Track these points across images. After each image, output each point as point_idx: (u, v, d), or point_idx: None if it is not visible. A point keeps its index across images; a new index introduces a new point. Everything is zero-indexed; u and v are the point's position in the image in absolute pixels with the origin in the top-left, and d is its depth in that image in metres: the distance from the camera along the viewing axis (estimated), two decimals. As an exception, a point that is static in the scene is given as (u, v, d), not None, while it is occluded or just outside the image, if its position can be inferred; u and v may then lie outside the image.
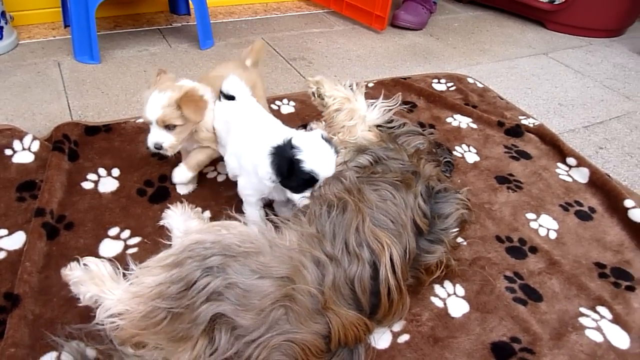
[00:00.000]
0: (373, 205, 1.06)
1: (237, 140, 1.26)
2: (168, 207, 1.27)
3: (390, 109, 1.49)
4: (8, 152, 1.43)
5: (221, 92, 1.34)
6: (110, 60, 2.05)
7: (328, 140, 1.16)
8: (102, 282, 0.97)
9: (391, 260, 1.00)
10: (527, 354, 1.07)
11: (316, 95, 1.47)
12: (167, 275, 0.91)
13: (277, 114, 1.76)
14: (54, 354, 0.97)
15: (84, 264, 1.02)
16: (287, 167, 1.10)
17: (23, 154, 1.43)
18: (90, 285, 0.98)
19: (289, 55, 2.25)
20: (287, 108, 1.80)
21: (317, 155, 1.11)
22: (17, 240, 1.20)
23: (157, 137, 1.23)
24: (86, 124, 1.57)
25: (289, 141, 1.12)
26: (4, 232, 1.22)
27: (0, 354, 0.94)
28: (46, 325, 1.01)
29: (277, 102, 1.82)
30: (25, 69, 1.93)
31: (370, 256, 0.99)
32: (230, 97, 1.33)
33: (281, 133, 1.19)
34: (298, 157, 1.10)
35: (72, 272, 1.02)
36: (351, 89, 1.50)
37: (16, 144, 1.45)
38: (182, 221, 1.21)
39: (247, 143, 1.23)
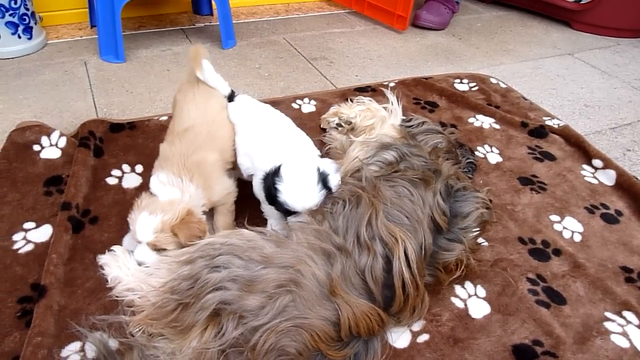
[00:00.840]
0: (388, 201, 1.06)
1: (247, 141, 1.27)
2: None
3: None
4: (36, 147, 1.47)
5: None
6: (135, 60, 2.09)
7: (321, 171, 1.13)
8: (126, 267, 1.08)
9: (405, 254, 0.99)
10: (550, 358, 1.05)
11: (343, 124, 1.49)
12: (179, 272, 0.97)
13: (298, 112, 1.77)
14: (78, 344, 0.99)
15: (112, 250, 1.14)
16: (269, 194, 1.13)
17: (50, 150, 1.47)
18: (115, 267, 1.08)
19: (310, 55, 2.26)
20: (308, 107, 1.81)
21: (295, 187, 1.10)
22: (44, 233, 1.23)
23: (143, 256, 1.09)
24: (111, 122, 1.60)
25: (277, 169, 1.13)
26: (32, 225, 1.25)
27: (27, 342, 0.96)
28: (71, 316, 1.04)
29: (299, 101, 1.82)
30: (53, 67, 1.98)
31: (383, 249, 0.99)
32: (231, 98, 1.35)
33: (288, 137, 1.22)
34: (277, 186, 1.11)
35: (103, 256, 1.14)
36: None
37: (44, 140, 1.48)
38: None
39: (257, 145, 1.24)
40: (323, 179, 1.12)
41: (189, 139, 1.20)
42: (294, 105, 1.80)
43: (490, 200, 1.26)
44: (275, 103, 1.78)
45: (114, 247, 1.14)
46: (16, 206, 1.30)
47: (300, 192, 1.10)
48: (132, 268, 1.08)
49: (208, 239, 1.03)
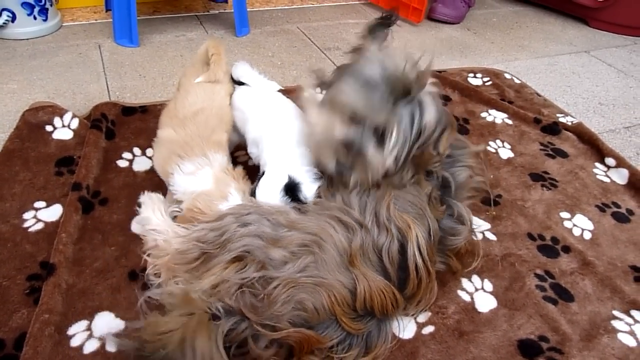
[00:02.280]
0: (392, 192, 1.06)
1: (255, 129, 1.26)
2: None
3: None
4: (49, 128, 1.48)
5: (232, 79, 1.36)
6: (149, 44, 2.09)
7: (290, 181, 1.08)
8: (159, 212, 1.11)
9: (417, 240, 1.00)
10: (556, 354, 1.04)
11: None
12: (208, 225, 1.00)
13: (309, 102, 1.76)
14: (85, 322, 1.00)
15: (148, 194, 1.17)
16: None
17: (63, 131, 1.48)
18: (149, 208, 1.11)
19: (324, 44, 2.25)
20: (320, 97, 1.80)
21: (260, 195, 1.09)
22: (54, 212, 1.24)
23: None
24: (123, 105, 1.61)
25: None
26: (43, 204, 1.26)
27: (34, 319, 0.97)
28: (79, 295, 1.05)
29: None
30: (67, 50, 1.99)
31: (397, 233, 0.99)
32: (242, 84, 1.34)
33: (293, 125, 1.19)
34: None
35: (143, 197, 1.17)
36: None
37: (56, 121, 1.49)
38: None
39: (264, 132, 1.22)
40: (292, 189, 1.07)
41: (201, 121, 1.20)
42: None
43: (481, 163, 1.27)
44: (287, 92, 1.78)
45: (153, 194, 1.16)
46: (27, 185, 1.31)
47: (265, 189, 1.10)
48: (165, 216, 1.11)
49: (239, 203, 1.06)
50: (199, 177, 1.10)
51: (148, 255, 1.06)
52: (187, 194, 1.09)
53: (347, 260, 0.95)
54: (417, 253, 0.99)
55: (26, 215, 1.22)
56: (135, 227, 1.21)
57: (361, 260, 0.96)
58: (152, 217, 1.10)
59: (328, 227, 0.97)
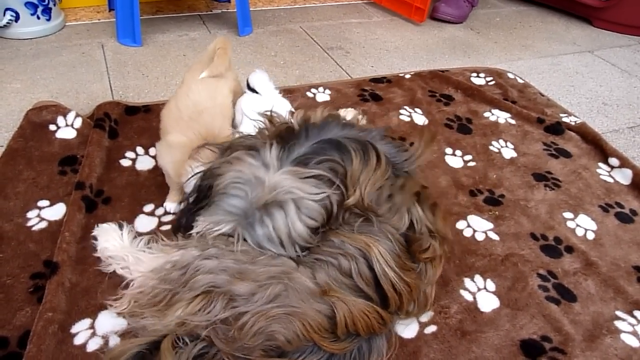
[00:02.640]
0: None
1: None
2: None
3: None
4: (52, 127, 1.48)
5: (247, 85, 1.36)
6: (152, 44, 2.10)
7: None
8: (114, 239, 1.12)
9: (381, 255, 0.94)
10: (558, 354, 1.04)
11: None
12: (171, 259, 0.97)
13: (312, 101, 1.76)
14: (88, 321, 1.00)
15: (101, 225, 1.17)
16: None
17: (66, 130, 1.48)
18: (101, 239, 1.13)
19: (327, 44, 2.25)
20: (323, 96, 1.80)
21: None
22: (57, 211, 1.24)
23: None
24: (126, 104, 1.61)
25: None
26: (46, 203, 1.26)
27: (38, 317, 0.97)
28: (82, 293, 1.05)
29: (313, 90, 1.82)
30: (70, 49, 1.99)
31: (359, 253, 0.94)
32: (255, 91, 1.35)
33: None
34: None
35: (97, 229, 1.17)
36: None
37: (60, 120, 1.50)
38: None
39: None
40: None
41: (208, 123, 1.21)
42: (309, 94, 1.80)
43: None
44: (289, 91, 1.79)
45: (105, 224, 1.17)
46: (31, 184, 1.31)
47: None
48: (123, 241, 1.12)
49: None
50: None
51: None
52: None
53: (320, 292, 0.90)
54: (386, 268, 0.94)
55: (30, 214, 1.23)
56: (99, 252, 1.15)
57: (336, 287, 0.91)
58: (108, 246, 1.11)
59: (289, 269, 0.93)
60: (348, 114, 1.54)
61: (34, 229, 1.19)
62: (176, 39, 2.15)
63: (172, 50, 2.06)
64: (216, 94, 1.28)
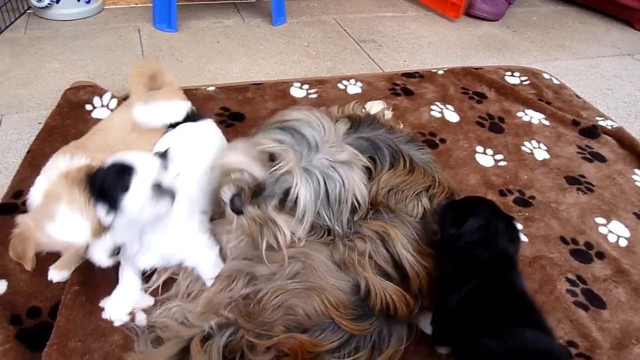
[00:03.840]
0: None
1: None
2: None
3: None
4: (88, 107, 1.51)
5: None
6: (186, 30, 2.12)
7: None
8: None
9: (399, 238, 0.97)
10: (584, 360, 1.03)
11: None
12: None
13: (343, 93, 1.76)
14: (117, 297, 1.03)
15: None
16: None
17: (101, 110, 1.51)
18: None
19: (359, 37, 2.23)
20: (354, 88, 1.80)
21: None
22: (90, 189, 1.27)
23: None
24: (160, 88, 1.63)
25: None
26: (80, 180, 1.29)
27: (67, 289, 1.00)
28: (110, 269, 1.06)
29: (345, 82, 1.81)
30: (108, 32, 2.03)
31: (376, 236, 0.97)
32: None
33: None
34: None
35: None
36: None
37: (96, 101, 1.53)
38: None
39: None
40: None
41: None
42: (340, 86, 1.79)
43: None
44: (321, 82, 1.79)
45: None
46: (66, 161, 1.34)
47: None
48: None
49: None
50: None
51: None
52: None
53: (343, 264, 0.93)
54: (403, 250, 0.96)
55: (64, 190, 1.26)
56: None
57: (358, 260, 0.93)
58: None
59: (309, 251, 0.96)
60: (374, 106, 1.54)
61: (67, 205, 1.22)
62: (210, 26, 2.17)
63: (206, 36, 2.08)
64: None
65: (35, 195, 0.99)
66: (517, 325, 0.82)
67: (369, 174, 1.03)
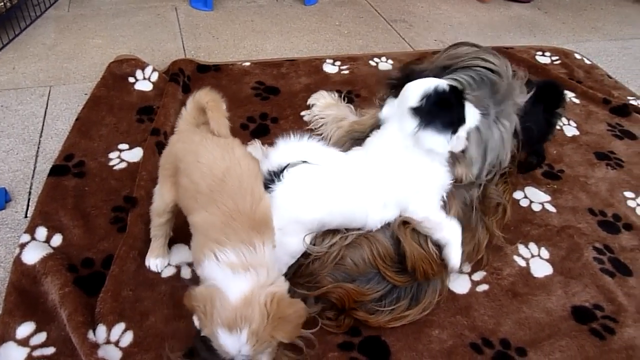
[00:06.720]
0: None
1: None
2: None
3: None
4: (131, 79, 1.59)
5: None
6: (222, 9, 2.18)
7: None
8: None
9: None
10: (609, 322, 1.05)
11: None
12: None
13: (374, 70, 1.80)
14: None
15: None
16: None
17: (143, 83, 1.59)
18: None
19: (390, 16, 2.26)
20: (385, 65, 1.83)
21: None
22: (135, 154, 1.35)
23: None
24: (198, 62, 1.70)
25: None
26: (126, 146, 1.37)
27: (122, 242, 1.08)
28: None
29: (376, 59, 1.85)
30: (147, 10, 2.10)
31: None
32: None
33: None
34: None
35: None
36: None
37: (138, 74, 1.60)
38: None
39: None
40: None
41: (234, 187, 0.88)
42: (371, 63, 1.83)
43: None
44: (352, 59, 1.83)
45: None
46: (112, 129, 1.42)
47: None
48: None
49: None
50: (235, 281, 0.79)
51: None
52: (219, 284, 0.80)
53: (400, 222, 0.97)
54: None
55: (111, 155, 1.34)
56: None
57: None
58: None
59: None
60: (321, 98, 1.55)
61: (115, 168, 1.30)
62: (245, 5, 2.22)
63: (240, 15, 2.14)
64: (234, 152, 0.94)
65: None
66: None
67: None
